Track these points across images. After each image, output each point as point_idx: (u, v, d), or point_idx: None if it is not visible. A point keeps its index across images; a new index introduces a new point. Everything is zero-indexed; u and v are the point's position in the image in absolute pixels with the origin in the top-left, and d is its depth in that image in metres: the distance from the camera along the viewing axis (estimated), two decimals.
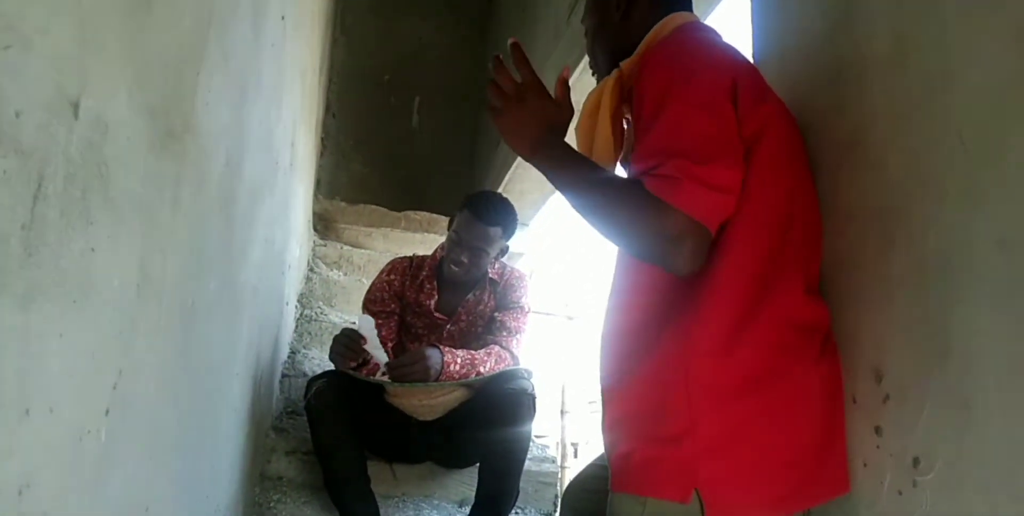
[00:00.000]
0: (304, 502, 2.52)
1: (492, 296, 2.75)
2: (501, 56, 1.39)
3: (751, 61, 1.35)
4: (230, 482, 1.87)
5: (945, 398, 1.02)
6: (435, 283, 2.73)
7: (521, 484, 2.70)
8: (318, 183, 4.90)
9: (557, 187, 1.28)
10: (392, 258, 2.93)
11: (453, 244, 2.59)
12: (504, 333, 2.65)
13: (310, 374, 3.14)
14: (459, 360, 2.46)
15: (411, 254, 2.91)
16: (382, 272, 2.81)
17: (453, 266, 2.59)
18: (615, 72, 1.35)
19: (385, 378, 2.40)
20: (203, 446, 1.48)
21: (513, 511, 2.71)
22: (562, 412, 8.34)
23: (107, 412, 0.86)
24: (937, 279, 1.06)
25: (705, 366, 1.14)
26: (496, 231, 2.55)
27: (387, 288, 2.76)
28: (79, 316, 0.75)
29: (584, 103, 1.39)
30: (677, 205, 1.09)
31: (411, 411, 2.48)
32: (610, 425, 1.25)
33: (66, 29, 0.67)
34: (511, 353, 2.63)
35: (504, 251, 2.69)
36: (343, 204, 4.72)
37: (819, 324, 1.23)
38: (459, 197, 5.52)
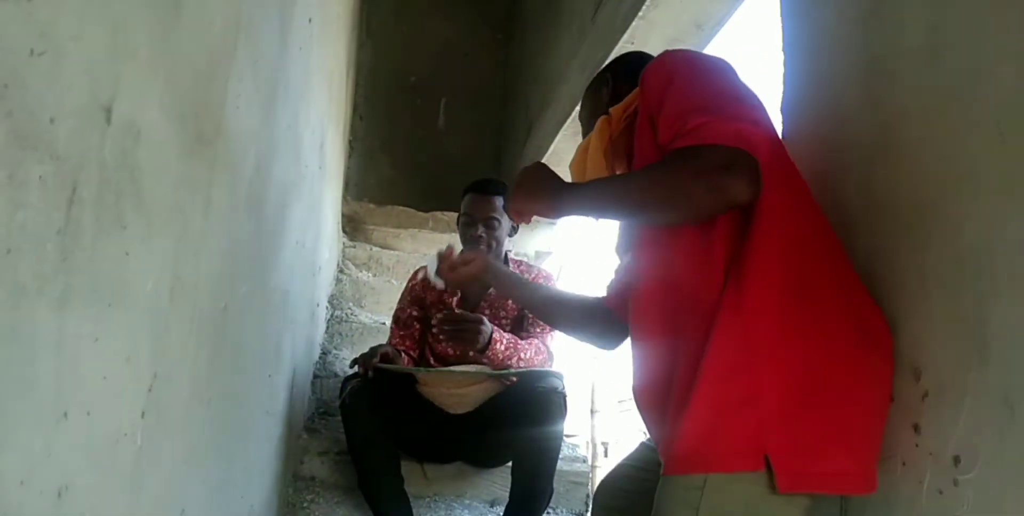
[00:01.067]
0: (337, 502, 2.54)
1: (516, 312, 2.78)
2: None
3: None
4: (263, 483, 1.89)
5: (985, 395, 1.01)
6: None
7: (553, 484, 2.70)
8: (346, 185, 4.93)
9: (601, 212, 1.32)
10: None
11: (466, 226, 2.69)
12: (538, 329, 2.72)
13: (341, 375, 3.16)
14: (505, 341, 2.52)
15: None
16: (407, 281, 2.92)
17: (472, 243, 2.67)
18: (603, 117, 1.38)
19: (415, 367, 2.44)
20: (236, 447, 1.49)
21: (545, 511, 2.71)
22: (592, 411, 8.32)
23: (143, 415, 0.87)
24: (974, 275, 1.04)
25: (769, 334, 1.13)
26: (500, 200, 2.68)
27: (408, 295, 2.84)
28: (114, 319, 0.76)
29: (577, 148, 1.46)
30: (713, 141, 1.11)
31: (441, 402, 2.49)
32: (651, 405, 1.24)
33: (98, 36, 0.67)
34: (548, 348, 2.69)
35: (515, 229, 2.78)
36: (371, 205, 4.75)
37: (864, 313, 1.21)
38: None
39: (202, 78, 1.01)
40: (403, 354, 2.71)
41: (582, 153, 1.43)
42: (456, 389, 2.46)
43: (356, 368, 2.47)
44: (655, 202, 1.19)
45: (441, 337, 2.50)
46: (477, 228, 2.66)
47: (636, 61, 1.54)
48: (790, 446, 1.09)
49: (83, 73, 0.65)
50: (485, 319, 2.47)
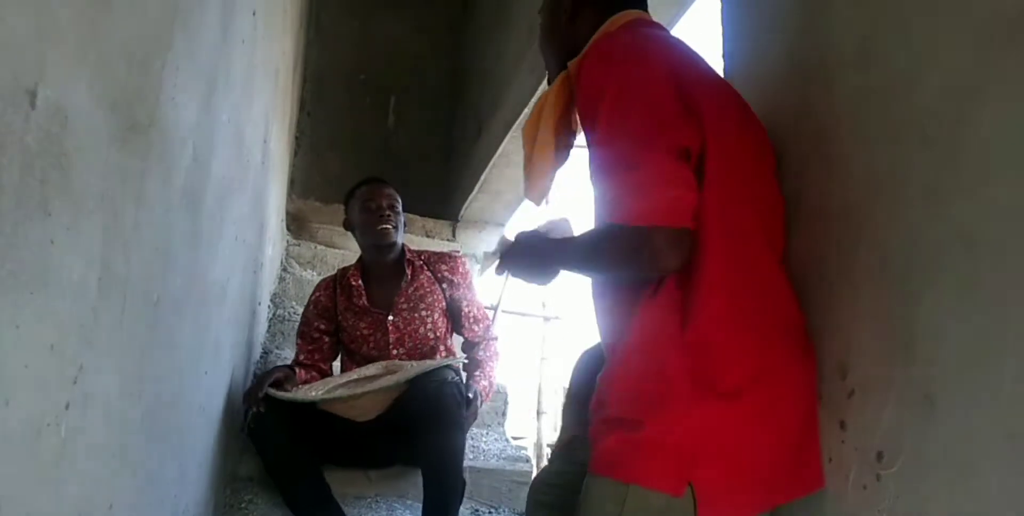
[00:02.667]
0: (276, 504, 2.50)
1: (433, 280, 2.79)
2: None
3: (693, 58, 1.35)
4: (198, 482, 1.86)
5: (908, 393, 1.04)
6: (360, 281, 2.76)
7: (495, 484, 2.71)
8: (292, 182, 4.88)
9: (577, 271, 1.37)
10: None
11: (370, 212, 2.69)
12: (483, 326, 2.80)
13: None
14: (483, 384, 2.65)
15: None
16: (311, 294, 2.87)
17: (380, 227, 2.67)
18: (561, 76, 1.37)
19: (308, 394, 2.43)
20: (169, 444, 1.46)
21: (488, 511, 2.71)
22: (538, 413, 8.34)
23: (67, 406, 0.85)
24: (900, 275, 1.07)
25: (700, 357, 1.15)
26: (389, 188, 2.75)
27: (313, 308, 2.79)
28: (37, 307, 0.74)
29: (535, 105, 1.42)
30: (629, 222, 1.14)
31: (344, 413, 2.46)
32: (597, 405, 1.25)
33: (21, 18, 0.66)
34: (495, 340, 2.80)
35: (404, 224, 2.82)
36: (317, 204, 4.71)
37: (798, 321, 1.24)
38: (435, 197, 5.54)
39: (135, 66, 0.99)
40: (307, 370, 2.69)
41: (533, 121, 1.41)
42: (353, 400, 2.43)
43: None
44: (605, 272, 1.30)
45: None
46: (383, 209, 2.68)
47: None
48: (715, 480, 1.12)
49: (4, 54, 0.63)
50: (470, 399, 2.53)
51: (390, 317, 2.71)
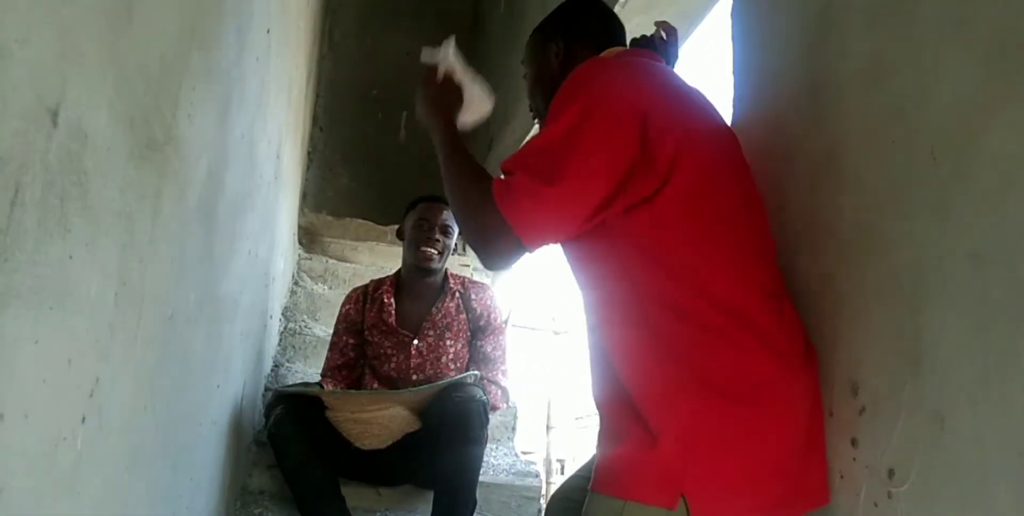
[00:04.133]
0: None
1: (461, 309, 2.75)
2: None
3: (675, 86, 1.35)
4: (209, 495, 1.86)
5: (919, 410, 1.04)
6: (392, 299, 2.74)
7: (504, 499, 2.69)
8: (304, 196, 4.90)
9: (443, 169, 1.40)
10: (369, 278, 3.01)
11: (420, 231, 2.67)
12: (489, 366, 2.70)
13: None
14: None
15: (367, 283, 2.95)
16: (342, 305, 2.86)
17: (426, 248, 2.65)
18: None
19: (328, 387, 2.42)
20: (182, 458, 1.47)
21: None
22: (548, 428, 8.32)
23: (83, 420, 0.86)
24: (910, 293, 1.07)
25: (673, 363, 1.17)
26: (448, 211, 2.67)
27: (342, 320, 2.79)
28: (55, 323, 0.75)
29: None
30: (502, 210, 1.18)
31: (347, 431, 2.44)
32: (601, 430, 1.26)
33: (45, 39, 0.67)
34: (501, 386, 2.68)
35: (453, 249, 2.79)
36: (329, 218, 4.72)
37: (794, 330, 1.24)
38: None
39: (153, 84, 1.01)
40: (334, 382, 2.71)
41: None
42: (360, 414, 2.40)
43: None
44: (451, 197, 1.33)
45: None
46: (434, 232, 2.66)
47: (591, 22, 1.54)
48: (707, 491, 1.12)
49: (28, 75, 0.65)
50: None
51: (415, 341, 2.69)
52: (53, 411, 0.78)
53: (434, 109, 1.48)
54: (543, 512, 2.87)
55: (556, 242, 1.25)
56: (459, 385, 2.42)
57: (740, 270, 1.22)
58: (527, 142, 1.26)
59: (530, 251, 1.21)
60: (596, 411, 1.27)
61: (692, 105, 1.33)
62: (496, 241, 1.20)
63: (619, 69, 1.30)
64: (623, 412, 1.20)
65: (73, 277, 0.79)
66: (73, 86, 0.74)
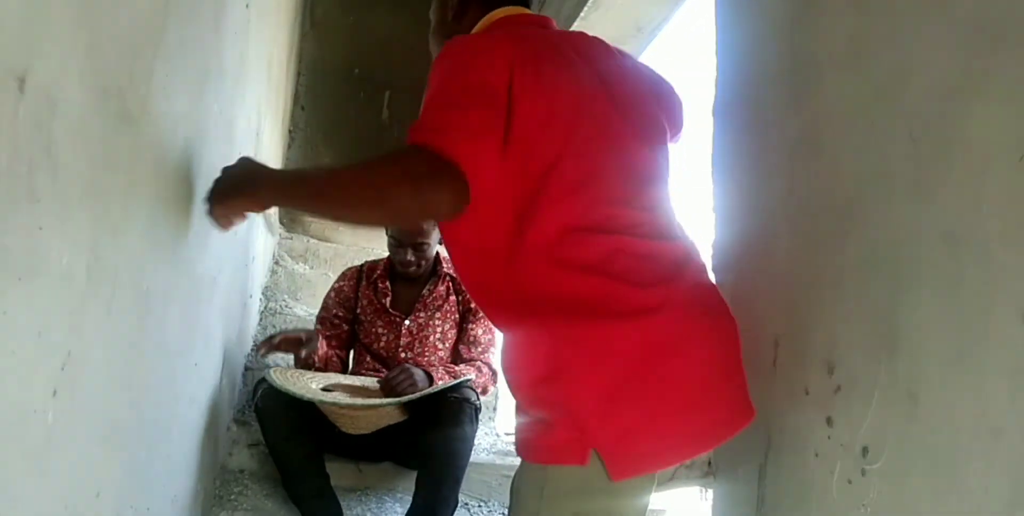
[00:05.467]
0: (266, 495, 2.50)
1: (451, 291, 2.83)
2: None
3: (545, 42, 1.32)
4: (188, 473, 1.86)
5: (892, 389, 1.05)
6: (387, 283, 2.83)
7: (485, 478, 2.71)
8: None
9: (305, 206, 1.30)
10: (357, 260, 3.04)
11: (394, 247, 2.74)
12: (480, 348, 2.77)
13: (273, 367, 3.12)
14: (446, 376, 2.57)
15: (361, 263, 3.01)
16: (334, 282, 2.93)
17: (402, 267, 2.74)
18: None
19: (309, 386, 2.40)
20: (158, 435, 1.46)
21: (477, 504, 2.72)
22: None
23: (55, 393, 0.85)
24: (886, 272, 1.08)
25: (546, 300, 1.18)
26: (428, 223, 2.64)
27: (335, 296, 2.86)
28: (24, 294, 0.74)
29: None
30: (433, 145, 1.10)
31: (338, 422, 2.45)
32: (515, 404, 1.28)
33: (11, 3, 0.66)
34: (490, 368, 2.74)
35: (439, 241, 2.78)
36: None
37: (657, 253, 1.23)
38: None
39: (126, 55, 0.99)
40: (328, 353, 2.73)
41: None
42: (350, 412, 2.40)
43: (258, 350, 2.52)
44: (356, 200, 1.17)
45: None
46: (406, 253, 2.71)
47: None
48: (613, 438, 1.13)
49: None
50: (408, 367, 2.49)
51: (406, 322, 2.77)
52: (23, 383, 0.77)
53: (227, 189, 1.35)
54: (510, 490, 2.89)
55: (489, 157, 1.14)
56: (456, 386, 2.46)
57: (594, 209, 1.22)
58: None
59: (466, 182, 1.10)
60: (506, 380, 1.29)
61: (560, 57, 1.30)
62: (434, 183, 1.09)
63: (481, 41, 1.30)
64: (527, 379, 1.22)
65: (43, 248, 0.78)
66: (41, 54, 0.72)
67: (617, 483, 1.13)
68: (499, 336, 2.81)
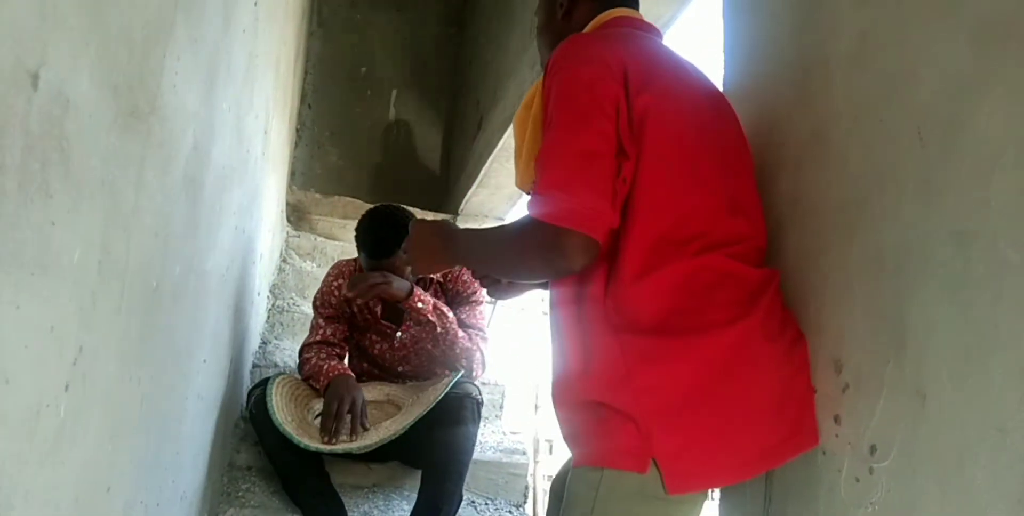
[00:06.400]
0: (273, 492, 2.51)
1: (439, 293, 2.74)
2: None
3: (653, 51, 1.35)
4: (196, 469, 1.87)
5: (901, 387, 1.04)
6: None
7: (491, 476, 2.71)
8: (292, 174, 4.88)
9: (482, 266, 1.44)
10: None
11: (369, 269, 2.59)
12: (471, 331, 2.68)
13: (281, 365, 3.13)
14: (431, 303, 2.51)
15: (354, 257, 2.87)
16: (328, 276, 2.79)
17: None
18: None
19: (312, 438, 2.36)
20: (167, 430, 1.47)
21: (484, 502, 2.72)
22: (536, 407, 8.35)
23: (67, 387, 0.86)
24: (894, 271, 1.08)
25: (625, 321, 1.19)
26: (393, 258, 2.54)
27: (336, 293, 2.72)
28: (37, 289, 0.75)
29: (526, 94, 1.42)
30: (547, 220, 1.16)
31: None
32: (557, 402, 1.29)
33: (25, 2, 0.66)
34: (480, 350, 2.66)
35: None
36: (317, 196, 4.71)
37: (741, 276, 1.24)
38: (436, 190, 5.54)
39: (137, 52, 1.00)
40: (338, 349, 2.68)
41: (524, 110, 1.41)
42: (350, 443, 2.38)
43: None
44: (505, 270, 1.36)
45: (359, 300, 2.49)
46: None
47: None
48: (675, 451, 1.14)
49: (7, 36, 0.64)
50: (387, 275, 2.46)
51: (398, 333, 2.70)
52: (35, 377, 0.78)
53: (429, 253, 1.45)
54: (529, 491, 2.90)
55: (608, 215, 1.19)
56: (458, 382, 2.45)
57: (710, 225, 1.24)
58: (540, 151, 1.25)
59: (598, 242, 1.17)
60: (553, 390, 1.29)
61: (671, 69, 1.34)
62: (563, 250, 1.16)
63: (594, 45, 1.31)
64: (589, 385, 1.22)
65: (55, 243, 0.79)
66: (54, 50, 0.73)
67: (672, 495, 1.14)
68: (490, 323, 2.76)
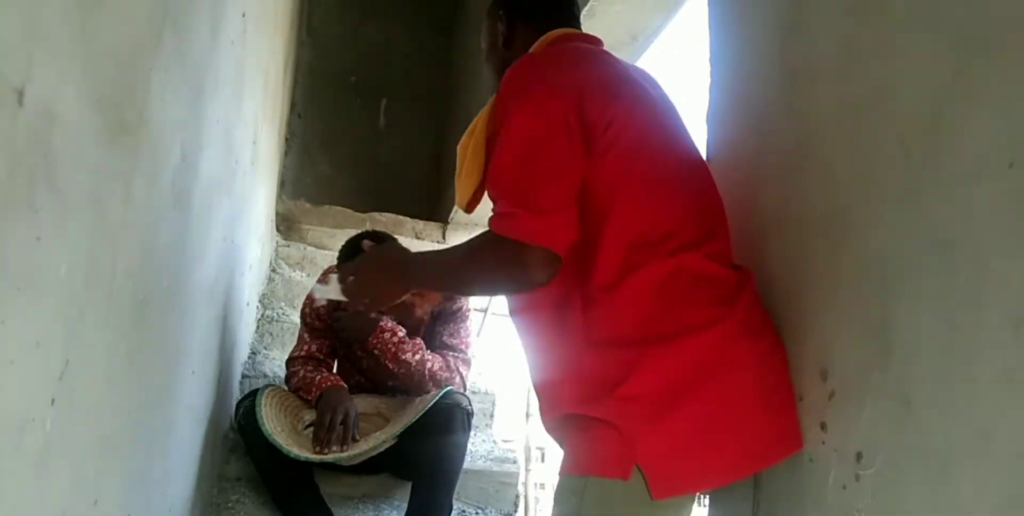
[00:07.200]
0: (263, 503, 2.50)
1: (429, 314, 2.69)
2: None
3: (607, 65, 1.38)
4: (185, 480, 1.86)
5: (886, 394, 1.05)
6: None
7: (482, 484, 2.71)
8: (282, 183, 4.87)
9: (439, 286, 1.47)
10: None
11: None
12: (451, 354, 2.62)
13: (270, 375, 3.12)
14: (400, 334, 2.49)
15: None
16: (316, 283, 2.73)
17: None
18: (493, 97, 1.39)
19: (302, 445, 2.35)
20: (155, 443, 1.47)
21: (475, 511, 2.72)
22: (527, 415, 8.33)
23: (53, 402, 0.85)
24: (878, 279, 1.09)
25: (604, 335, 1.20)
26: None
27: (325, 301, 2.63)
28: (23, 304, 0.75)
29: (471, 124, 1.45)
30: (509, 235, 1.18)
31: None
32: (543, 413, 1.30)
33: (9, 17, 0.67)
34: (461, 376, 2.61)
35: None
36: (307, 205, 4.70)
37: (717, 277, 1.25)
38: (426, 198, 5.53)
39: (124, 66, 1.00)
40: (327, 366, 2.66)
41: (467, 137, 1.44)
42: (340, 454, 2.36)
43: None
44: (467, 287, 1.38)
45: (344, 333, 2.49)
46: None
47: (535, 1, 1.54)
48: (660, 458, 1.15)
49: None
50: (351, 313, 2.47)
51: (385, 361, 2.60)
52: (21, 392, 0.78)
53: (377, 285, 1.44)
54: (520, 500, 2.90)
55: (569, 229, 1.22)
56: (448, 393, 2.44)
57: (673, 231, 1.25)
58: (491, 169, 1.27)
59: (556, 252, 1.19)
60: (539, 402, 1.30)
61: (628, 79, 1.36)
62: (526, 264, 1.18)
63: (547, 66, 1.32)
64: (571, 400, 1.22)
65: (41, 258, 0.79)
66: (40, 66, 0.73)
67: (657, 500, 1.14)
68: (472, 339, 2.72)
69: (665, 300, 1.20)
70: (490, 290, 1.33)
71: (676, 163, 1.32)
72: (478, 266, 1.26)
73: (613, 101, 1.26)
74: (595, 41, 1.48)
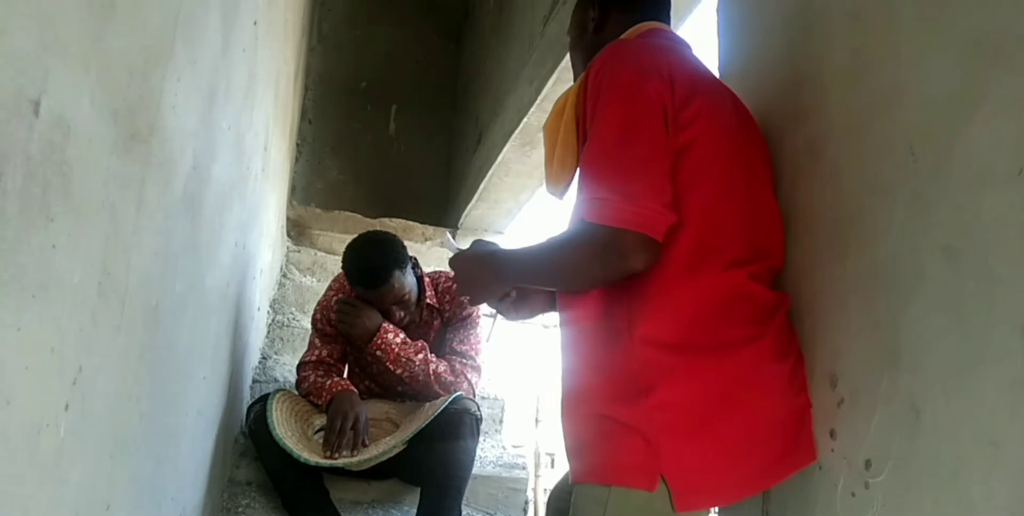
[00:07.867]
0: (273, 507, 2.51)
1: (435, 315, 2.69)
2: None
3: (698, 68, 1.38)
4: (196, 485, 1.87)
5: (895, 402, 1.05)
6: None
7: (491, 490, 2.71)
8: (293, 189, 4.89)
9: (536, 280, 1.39)
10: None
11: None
12: (460, 360, 2.61)
13: (281, 380, 3.13)
14: (402, 336, 2.49)
15: None
16: (328, 290, 2.75)
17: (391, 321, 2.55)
18: (582, 76, 1.38)
19: (313, 449, 2.35)
20: (167, 448, 1.48)
21: None
22: (537, 421, 8.32)
23: (66, 407, 0.86)
24: (887, 285, 1.09)
25: (648, 332, 1.19)
26: (391, 281, 2.47)
27: (333, 307, 2.64)
28: (38, 311, 0.76)
29: (555, 103, 1.42)
30: (606, 222, 1.16)
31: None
32: (565, 415, 1.28)
33: (26, 29, 0.68)
34: (468, 381, 2.60)
35: (415, 267, 2.64)
36: (318, 210, 4.72)
37: (756, 297, 1.25)
38: (436, 204, 5.54)
39: (136, 75, 1.01)
40: (336, 370, 2.65)
41: (556, 118, 1.41)
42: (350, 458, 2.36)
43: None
44: (563, 279, 1.30)
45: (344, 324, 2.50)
46: (392, 312, 2.54)
47: None
48: (685, 470, 1.14)
49: (9, 66, 0.65)
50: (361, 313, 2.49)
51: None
52: (36, 398, 0.79)
53: (478, 281, 1.45)
54: (529, 505, 2.90)
55: (665, 214, 1.19)
56: (456, 398, 2.44)
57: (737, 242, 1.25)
58: (586, 152, 1.25)
59: (658, 242, 1.18)
60: (563, 404, 1.29)
61: (709, 79, 1.37)
62: (623, 250, 1.16)
63: (641, 51, 1.32)
64: (603, 398, 1.21)
65: (56, 266, 0.80)
66: (55, 77, 0.74)
67: (679, 512, 1.14)
68: (481, 346, 2.70)
69: (708, 311, 1.19)
70: (587, 281, 1.25)
71: (743, 168, 1.31)
72: (575, 257, 1.23)
73: (700, 98, 1.25)
74: (683, 41, 1.47)
